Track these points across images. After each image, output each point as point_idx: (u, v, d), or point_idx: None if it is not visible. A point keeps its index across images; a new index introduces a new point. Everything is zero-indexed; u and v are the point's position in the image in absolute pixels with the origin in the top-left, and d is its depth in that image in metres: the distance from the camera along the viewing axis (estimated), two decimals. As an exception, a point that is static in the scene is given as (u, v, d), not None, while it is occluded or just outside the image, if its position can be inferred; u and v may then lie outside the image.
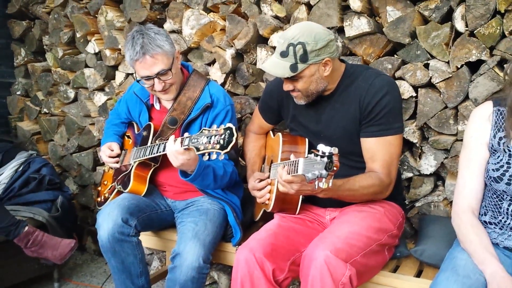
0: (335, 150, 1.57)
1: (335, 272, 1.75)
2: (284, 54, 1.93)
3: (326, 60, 1.97)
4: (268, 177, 2.22)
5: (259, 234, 2.04)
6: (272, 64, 1.97)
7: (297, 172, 1.69)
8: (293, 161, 1.76)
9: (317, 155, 1.57)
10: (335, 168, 1.55)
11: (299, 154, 2.14)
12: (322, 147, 1.58)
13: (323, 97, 2.11)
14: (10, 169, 3.26)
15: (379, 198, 2.05)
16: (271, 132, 2.49)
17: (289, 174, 1.77)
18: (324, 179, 1.56)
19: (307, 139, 2.19)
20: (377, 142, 2.01)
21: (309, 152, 1.62)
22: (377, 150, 2.01)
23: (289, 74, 1.93)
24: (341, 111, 2.08)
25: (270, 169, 2.28)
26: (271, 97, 2.35)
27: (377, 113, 1.98)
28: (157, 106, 2.51)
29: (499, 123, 1.74)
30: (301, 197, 2.12)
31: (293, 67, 1.92)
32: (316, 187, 1.59)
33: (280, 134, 2.26)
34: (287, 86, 2.03)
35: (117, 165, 2.53)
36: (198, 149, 1.95)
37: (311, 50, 1.91)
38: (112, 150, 2.53)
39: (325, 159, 1.54)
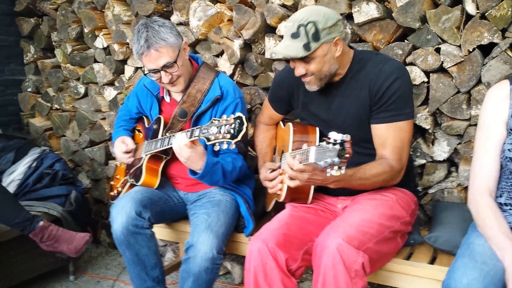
0: (347, 137, 1.55)
1: (348, 260, 1.75)
2: (295, 35, 1.90)
3: (337, 39, 1.96)
4: (280, 167, 2.21)
5: (271, 224, 2.04)
6: (284, 47, 1.94)
7: (308, 160, 1.68)
8: (304, 150, 1.75)
9: (329, 143, 1.56)
10: (347, 155, 1.54)
11: (310, 143, 2.12)
12: (333, 135, 1.56)
13: (333, 84, 2.09)
14: (23, 165, 3.29)
15: (390, 184, 2.04)
16: (281, 122, 2.48)
17: (300, 163, 1.76)
18: (336, 167, 1.55)
19: (317, 128, 2.17)
20: (388, 128, 1.99)
21: (321, 140, 1.61)
22: (388, 136, 1.99)
23: (303, 54, 1.90)
24: (351, 98, 2.07)
25: (281, 159, 2.27)
26: (281, 86, 2.34)
27: (388, 98, 1.97)
28: (167, 99, 2.51)
29: None
30: (312, 186, 2.11)
31: (306, 47, 1.89)
32: (329, 174, 1.58)
33: (290, 124, 2.24)
34: (299, 71, 1.99)
35: (132, 159, 2.53)
36: (208, 139, 1.95)
37: (323, 28, 1.89)
38: (127, 145, 2.54)
39: (337, 146, 1.53)
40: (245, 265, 1.99)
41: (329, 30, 1.92)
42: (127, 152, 2.52)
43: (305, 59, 1.95)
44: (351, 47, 2.14)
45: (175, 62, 2.25)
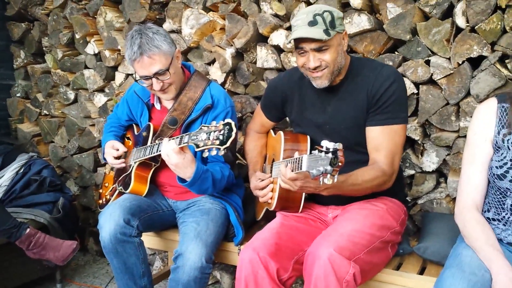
0: (339, 145, 1.56)
1: (339, 270, 1.74)
2: (313, 23, 1.91)
3: (345, 32, 2.01)
4: (270, 176, 2.21)
5: (262, 234, 2.03)
6: (304, 31, 1.92)
7: (301, 169, 1.68)
8: (296, 159, 1.76)
9: (321, 151, 1.56)
10: (340, 164, 1.54)
11: (301, 152, 2.12)
12: (326, 143, 1.56)
13: (330, 88, 2.09)
14: (11, 171, 3.26)
15: (382, 189, 2.04)
16: (271, 131, 2.48)
17: (292, 171, 1.76)
18: (329, 175, 1.55)
19: (308, 137, 2.18)
20: (383, 131, 2.01)
21: (313, 149, 1.61)
22: (382, 140, 2.00)
23: (325, 38, 1.89)
24: (348, 102, 2.08)
25: (272, 168, 2.27)
26: (275, 93, 2.34)
27: (385, 101, 1.99)
28: (157, 106, 2.50)
29: (503, 120, 1.73)
30: (303, 195, 2.11)
31: (327, 32, 1.90)
32: (321, 183, 1.58)
33: (281, 132, 2.24)
34: (313, 63, 1.97)
35: (124, 165, 2.51)
36: (197, 146, 1.94)
37: (337, 17, 1.94)
38: (117, 149, 2.52)
39: (330, 155, 1.53)
40: (236, 274, 1.97)
41: (341, 22, 1.97)
42: (118, 158, 2.51)
43: (321, 49, 1.95)
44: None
45: (168, 70, 2.25)
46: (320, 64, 1.98)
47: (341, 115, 2.10)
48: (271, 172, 2.25)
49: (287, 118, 2.44)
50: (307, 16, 1.92)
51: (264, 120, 2.46)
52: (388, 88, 1.98)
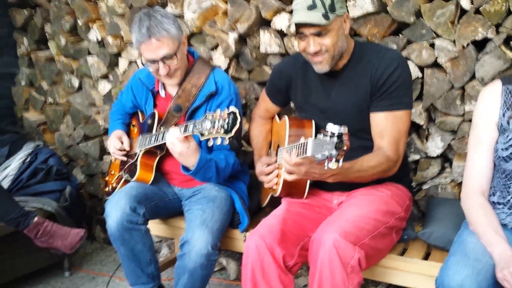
0: (344, 129, 1.55)
1: (344, 255, 1.75)
2: (312, 7, 1.89)
3: (346, 15, 1.98)
4: (276, 162, 2.22)
5: (268, 220, 2.04)
6: (304, 16, 1.91)
7: (306, 153, 1.67)
8: (301, 144, 1.74)
9: (326, 135, 1.55)
10: (345, 148, 1.53)
11: (306, 137, 2.12)
12: (331, 127, 1.55)
13: (334, 73, 2.08)
14: (17, 160, 3.27)
15: (387, 175, 2.04)
16: (276, 116, 2.47)
17: (297, 156, 1.75)
18: (334, 159, 1.54)
19: (313, 122, 2.17)
20: (387, 117, 1.99)
21: (318, 133, 1.60)
22: (387, 126, 2.00)
23: (324, 22, 1.89)
24: (351, 86, 2.07)
25: (277, 153, 2.27)
26: (280, 77, 2.33)
27: (389, 86, 1.97)
28: (162, 93, 2.50)
29: (508, 102, 1.72)
30: (308, 181, 2.11)
31: (325, 16, 1.89)
32: (326, 167, 1.57)
33: (286, 117, 2.23)
34: (313, 47, 1.96)
35: (124, 158, 2.52)
36: (202, 135, 1.95)
37: (337, 0, 1.91)
38: (122, 142, 2.53)
39: (335, 139, 1.52)
40: (242, 261, 1.99)
41: (341, 4, 1.94)
42: (120, 150, 2.52)
43: (321, 33, 1.93)
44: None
45: (175, 54, 2.24)
46: (320, 48, 1.96)
47: (344, 101, 2.09)
48: (276, 158, 2.25)
49: (291, 104, 2.43)
50: (306, 0, 1.90)
51: (269, 105, 2.45)
52: (392, 73, 1.97)
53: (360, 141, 2.05)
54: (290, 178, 1.89)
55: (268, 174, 2.19)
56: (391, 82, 1.97)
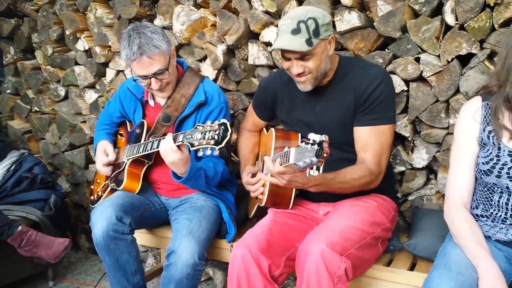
0: (325, 137, 1.57)
1: (331, 265, 1.77)
2: (296, 31, 1.90)
3: (331, 37, 2.00)
4: (262, 171, 2.23)
5: (254, 230, 2.05)
6: (286, 41, 1.92)
7: (288, 161, 1.69)
8: (284, 152, 1.76)
9: (307, 143, 1.57)
10: (325, 155, 1.55)
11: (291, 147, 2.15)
12: (312, 136, 1.58)
13: (319, 88, 2.11)
14: (1, 168, 3.24)
15: (369, 188, 2.07)
16: (264, 129, 2.49)
17: (281, 165, 1.77)
18: (314, 167, 1.56)
19: (299, 134, 2.20)
20: (370, 131, 2.02)
21: (301, 141, 1.62)
22: (369, 140, 2.02)
23: (307, 49, 1.90)
24: (336, 101, 2.10)
25: (263, 164, 2.28)
26: (265, 92, 2.35)
27: (373, 101, 2.00)
28: (151, 103, 2.50)
29: (488, 118, 1.77)
30: (294, 191, 2.13)
31: (309, 42, 1.90)
32: (308, 175, 1.59)
33: (273, 129, 2.26)
34: (296, 69, 1.99)
35: (110, 173, 2.51)
36: (192, 145, 1.95)
37: (322, 24, 1.92)
38: (108, 155, 2.52)
39: (316, 146, 1.55)
40: (228, 271, 1.99)
41: (326, 27, 1.95)
42: (107, 165, 2.50)
43: (304, 57, 1.95)
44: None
45: (167, 69, 2.25)
46: (303, 70, 2.00)
47: (329, 115, 2.12)
48: (262, 169, 2.26)
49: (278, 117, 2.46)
50: (291, 23, 1.92)
51: (255, 119, 2.47)
52: (376, 88, 2.00)
53: (345, 154, 2.08)
54: (273, 181, 1.88)
55: (253, 184, 2.20)
56: (374, 97, 2.00)
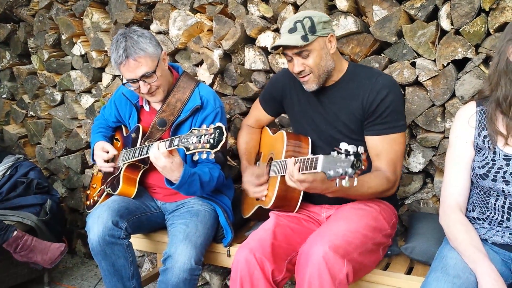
0: (361, 149, 1.55)
1: (333, 268, 1.75)
2: (292, 30, 1.98)
3: (331, 36, 2.03)
4: (268, 175, 2.23)
5: (258, 234, 2.03)
6: (283, 39, 2.00)
7: (315, 169, 1.66)
8: (309, 158, 1.73)
9: (340, 153, 1.55)
10: (363, 167, 1.53)
11: (303, 152, 2.15)
12: (345, 146, 1.55)
13: (324, 89, 2.12)
14: (-3, 173, 3.23)
15: (385, 195, 2.08)
16: (268, 129, 2.49)
17: (301, 171, 1.75)
18: (347, 177, 1.52)
19: (310, 139, 2.20)
20: (383, 140, 2.03)
21: (332, 150, 1.58)
22: (383, 148, 2.03)
23: (302, 43, 1.95)
24: (340, 106, 2.11)
25: (268, 165, 2.27)
26: (276, 86, 2.37)
27: (382, 112, 2.01)
28: (146, 108, 2.50)
29: (483, 122, 1.78)
30: (301, 197, 2.12)
31: (304, 38, 1.96)
32: (337, 185, 1.56)
33: (283, 132, 2.24)
34: (298, 67, 2.03)
35: (111, 169, 2.51)
36: (188, 149, 1.95)
37: (318, 22, 1.97)
38: (107, 152, 2.51)
39: (352, 157, 1.52)
40: (231, 275, 1.97)
41: (324, 25, 1.99)
42: (107, 161, 2.50)
43: (302, 54, 1.99)
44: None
45: (154, 72, 2.25)
46: (304, 69, 2.02)
47: (333, 119, 2.13)
48: (268, 171, 2.26)
49: (283, 114, 2.46)
50: (289, 23, 2.01)
51: (261, 114, 2.48)
52: (384, 98, 2.00)
53: None
54: (291, 184, 1.86)
55: (257, 185, 2.20)
56: (384, 107, 2.01)
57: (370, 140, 2.06)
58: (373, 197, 2.06)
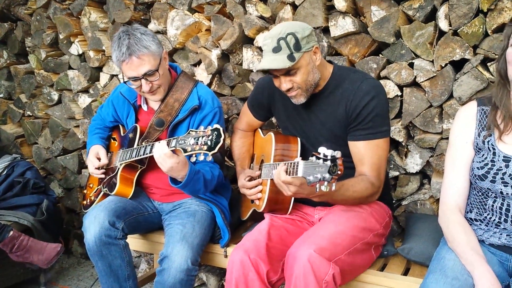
0: (338, 153, 1.54)
1: (319, 271, 1.76)
2: (276, 50, 1.91)
3: (315, 48, 1.98)
4: (259, 177, 2.22)
5: (253, 235, 2.04)
6: (269, 61, 1.93)
7: (296, 174, 1.67)
8: (292, 163, 1.74)
9: (319, 158, 1.54)
10: (339, 172, 1.52)
11: (292, 154, 2.14)
12: (323, 150, 1.55)
13: (311, 97, 2.09)
14: (-7, 173, 3.22)
15: (369, 201, 2.07)
16: (260, 131, 2.48)
17: (287, 175, 1.75)
18: (326, 183, 1.53)
19: (299, 139, 2.19)
20: (366, 145, 2.01)
21: (311, 155, 1.58)
22: (366, 154, 2.01)
23: (289, 64, 1.89)
24: (327, 112, 2.09)
25: (260, 168, 2.27)
26: (262, 93, 2.34)
27: (365, 117, 1.99)
28: (144, 107, 2.49)
29: (483, 122, 1.77)
30: (292, 198, 2.12)
31: (290, 57, 1.90)
32: (317, 190, 1.55)
33: (272, 133, 2.24)
34: (285, 85, 1.99)
35: (103, 176, 2.50)
36: (185, 151, 1.94)
37: (302, 37, 1.91)
38: (100, 159, 2.50)
39: (329, 163, 1.51)
40: (226, 276, 1.98)
41: (308, 39, 1.94)
42: (98, 168, 2.49)
43: (290, 72, 1.95)
44: (331, 62, 2.16)
45: (157, 70, 2.24)
46: (292, 85, 1.99)
47: (320, 126, 2.12)
48: (260, 173, 2.25)
49: (273, 119, 2.45)
50: (271, 41, 1.92)
51: (251, 119, 2.46)
52: (367, 104, 1.98)
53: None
54: (278, 185, 1.87)
55: (250, 188, 2.19)
56: (367, 112, 1.98)
57: (354, 145, 2.04)
58: (356, 203, 2.04)
